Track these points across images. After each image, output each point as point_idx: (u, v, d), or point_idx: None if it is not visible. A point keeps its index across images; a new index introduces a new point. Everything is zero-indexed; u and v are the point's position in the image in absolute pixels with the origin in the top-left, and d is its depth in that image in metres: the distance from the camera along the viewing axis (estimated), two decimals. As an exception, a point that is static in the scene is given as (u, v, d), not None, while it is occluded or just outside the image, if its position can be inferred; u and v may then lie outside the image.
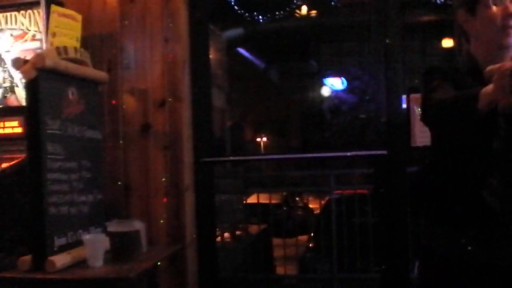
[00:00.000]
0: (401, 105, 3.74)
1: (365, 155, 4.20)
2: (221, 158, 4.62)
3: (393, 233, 3.72)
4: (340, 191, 6.62)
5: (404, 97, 3.77)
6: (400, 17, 3.72)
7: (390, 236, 3.73)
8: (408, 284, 3.75)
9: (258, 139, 26.87)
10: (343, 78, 15.45)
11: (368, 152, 4.07)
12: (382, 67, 3.73)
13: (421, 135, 3.70)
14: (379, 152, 3.71)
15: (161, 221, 3.71)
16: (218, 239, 6.11)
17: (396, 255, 3.72)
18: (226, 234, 6.87)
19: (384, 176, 3.73)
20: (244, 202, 7.81)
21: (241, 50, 14.18)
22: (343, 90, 16.26)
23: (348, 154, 4.21)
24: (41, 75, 2.92)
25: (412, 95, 3.75)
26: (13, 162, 3.27)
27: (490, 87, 1.69)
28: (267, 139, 26.78)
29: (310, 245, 7.99)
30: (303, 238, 8.43)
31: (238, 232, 7.23)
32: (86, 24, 3.55)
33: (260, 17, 7.91)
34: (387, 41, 3.69)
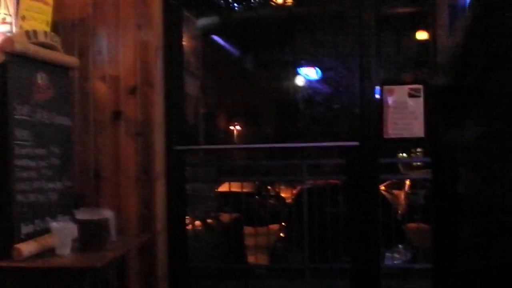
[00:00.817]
0: (374, 96, 3.74)
1: (337, 146, 4.20)
2: (194, 147, 4.58)
3: (364, 223, 3.73)
4: (312, 181, 6.63)
5: (377, 88, 3.77)
6: (374, 8, 3.72)
7: (361, 226, 3.74)
8: (378, 274, 3.77)
9: (232, 128, 26.83)
10: (317, 68, 15.44)
11: (340, 143, 4.08)
12: (356, 58, 3.73)
13: (394, 127, 3.71)
14: (351, 143, 3.71)
15: (131, 210, 3.67)
16: (189, 227, 6.09)
17: (367, 245, 3.74)
18: (197, 223, 6.84)
19: (356, 167, 3.74)
20: (216, 190, 7.79)
21: (216, 38, 14.10)
22: (317, 80, 16.26)
23: (320, 144, 4.20)
24: (9, 59, 2.87)
25: (386, 87, 3.75)
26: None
27: None
28: (241, 127, 26.74)
29: (281, 234, 8.00)
30: (274, 227, 8.43)
31: (209, 221, 7.21)
32: (57, 9, 3.50)
33: (236, 4, 7.88)
34: (361, 32, 3.69)
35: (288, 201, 10.66)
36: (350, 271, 3.91)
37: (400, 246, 6.32)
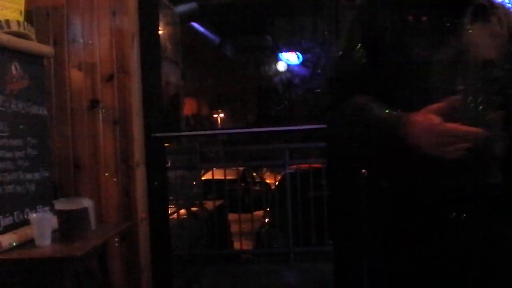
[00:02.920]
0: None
1: (319, 128, 4.18)
2: (173, 133, 4.56)
3: (346, 206, 3.73)
4: (295, 166, 6.64)
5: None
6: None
7: (343, 209, 3.74)
8: (362, 257, 3.78)
9: (215, 115, 26.80)
10: (298, 53, 15.43)
11: (321, 126, 4.06)
12: (334, 39, 3.71)
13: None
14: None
15: (111, 198, 3.65)
16: (175, 216, 6.08)
17: (350, 228, 3.73)
18: (182, 211, 6.83)
19: (338, 150, 3.72)
20: (201, 178, 7.79)
21: (195, 25, 14.02)
22: (298, 65, 16.27)
23: (302, 127, 4.19)
24: (-19, 50, 2.82)
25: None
26: (-45, 140, 3.16)
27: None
28: (224, 114, 26.73)
29: (266, 220, 8.02)
30: (259, 213, 8.45)
31: (194, 209, 7.20)
32: (31, -3, 3.45)
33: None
34: (338, 12, 3.67)
35: (273, 187, 10.69)
36: (333, 254, 3.91)
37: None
